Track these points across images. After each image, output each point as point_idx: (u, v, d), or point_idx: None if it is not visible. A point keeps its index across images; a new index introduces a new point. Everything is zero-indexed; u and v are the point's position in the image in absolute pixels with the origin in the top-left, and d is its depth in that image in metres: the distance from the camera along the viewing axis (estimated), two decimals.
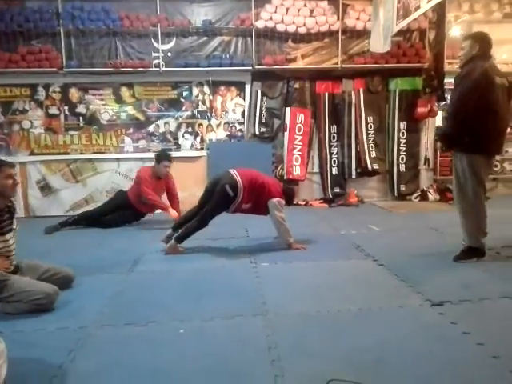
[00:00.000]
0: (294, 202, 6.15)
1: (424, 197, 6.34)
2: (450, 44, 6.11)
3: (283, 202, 3.91)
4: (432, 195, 6.27)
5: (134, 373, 1.89)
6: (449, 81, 6.31)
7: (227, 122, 6.34)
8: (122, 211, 5.08)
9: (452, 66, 6.17)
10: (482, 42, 3.31)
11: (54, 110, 6.08)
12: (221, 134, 6.35)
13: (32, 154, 6.06)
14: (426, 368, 1.84)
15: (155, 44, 5.99)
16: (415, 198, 6.39)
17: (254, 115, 6.27)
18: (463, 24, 6.32)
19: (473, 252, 3.30)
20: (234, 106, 6.32)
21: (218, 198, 3.88)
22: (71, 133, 6.12)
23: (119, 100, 6.15)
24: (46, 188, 6.10)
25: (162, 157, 5.04)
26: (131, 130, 6.18)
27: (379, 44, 5.54)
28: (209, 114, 6.28)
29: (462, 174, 3.23)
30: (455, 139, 3.25)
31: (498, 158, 6.55)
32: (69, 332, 2.31)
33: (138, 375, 1.87)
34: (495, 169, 6.54)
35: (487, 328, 2.18)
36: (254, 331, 2.26)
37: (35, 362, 1.96)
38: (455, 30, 6.33)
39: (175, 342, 2.16)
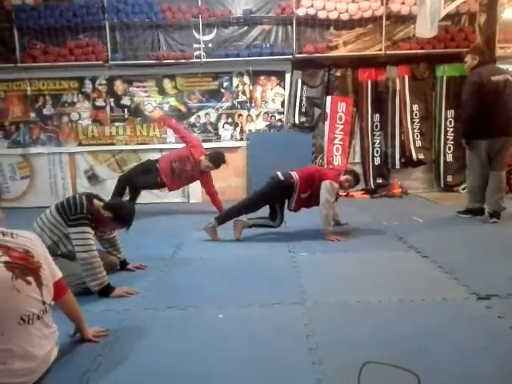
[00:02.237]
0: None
1: None
2: (503, 28, 5.77)
3: (337, 185, 3.80)
4: None
5: (173, 354, 1.94)
6: (501, 66, 6.03)
7: (267, 112, 6.33)
8: (146, 175, 5.07)
9: (504, 50, 5.85)
10: (480, 54, 4.25)
11: (100, 102, 6.30)
12: (260, 124, 6.34)
13: (80, 144, 6.32)
14: (469, 360, 1.77)
15: (196, 35, 6.04)
16: (463, 189, 6.10)
17: (294, 105, 6.21)
18: None
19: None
20: (273, 96, 6.29)
21: (269, 183, 3.95)
22: (117, 124, 6.31)
23: (162, 92, 6.27)
24: (93, 177, 6.35)
25: (221, 161, 5.01)
26: (174, 121, 6.28)
27: (425, 29, 5.30)
28: (248, 105, 6.29)
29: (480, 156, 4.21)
30: (471, 135, 4.20)
31: None
32: (113, 314, 2.40)
33: (177, 357, 1.92)
34: None
35: None
36: (291, 319, 2.26)
37: (81, 342, 2.05)
38: (508, 13, 5.96)
39: (214, 327, 2.20)
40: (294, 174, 3.90)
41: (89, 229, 2.63)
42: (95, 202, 2.71)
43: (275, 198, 3.98)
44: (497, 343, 1.91)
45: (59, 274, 1.82)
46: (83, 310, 2.26)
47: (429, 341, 1.94)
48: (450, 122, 6.16)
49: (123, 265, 3.16)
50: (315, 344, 1.97)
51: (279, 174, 3.94)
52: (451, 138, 6.17)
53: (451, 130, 6.15)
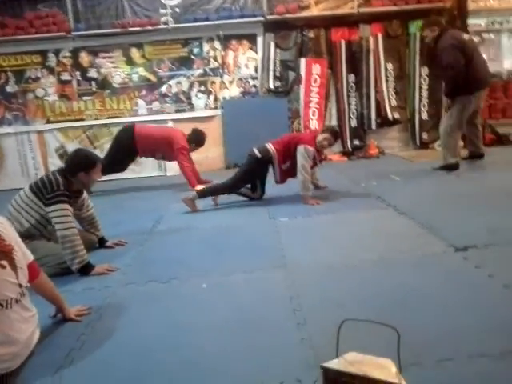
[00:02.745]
0: None
1: None
2: None
3: (311, 149, 3.75)
4: None
5: (157, 327, 1.94)
6: (473, 21, 6.00)
7: (240, 78, 6.17)
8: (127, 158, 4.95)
9: (476, 3, 5.79)
10: (437, 24, 4.56)
11: (66, 76, 6.03)
12: (234, 90, 6.19)
13: (48, 122, 6.07)
14: (449, 312, 1.81)
15: (162, 0, 5.78)
16: (438, 145, 6.17)
17: (268, 69, 6.07)
18: None
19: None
20: (246, 61, 6.12)
21: (247, 162, 3.94)
22: (85, 98, 6.07)
23: (130, 62, 6.03)
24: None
25: (202, 142, 4.90)
26: (144, 92, 6.09)
27: None
28: (221, 71, 6.12)
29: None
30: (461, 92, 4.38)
31: None
32: (94, 292, 2.37)
33: (161, 329, 1.91)
34: None
35: None
36: (275, 283, 2.27)
37: (63, 322, 2.02)
38: None
39: (197, 297, 2.20)
40: (271, 147, 3.86)
41: (67, 205, 2.57)
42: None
43: (256, 175, 3.97)
44: (475, 293, 1.95)
45: (31, 257, 1.76)
46: (63, 289, 2.23)
47: (409, 296, 1.98)
48: (425, 79, 6.13)
49: (102, 242, 3.10)
50: (299, 305, 1.98)
51: (255, 150, 3.89)
52: (426, 95, 6.16)
53: (426, 87, 6.13)
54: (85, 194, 2.94)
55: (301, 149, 3.74)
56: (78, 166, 2.64)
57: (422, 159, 5.40)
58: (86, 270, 2.59)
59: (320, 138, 3.83)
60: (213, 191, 3.99)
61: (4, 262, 1.58)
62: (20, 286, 1.63)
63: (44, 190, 2.56)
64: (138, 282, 2.44)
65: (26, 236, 2.51)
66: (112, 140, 5.18)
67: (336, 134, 3.96)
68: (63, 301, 2.03)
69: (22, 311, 1.63)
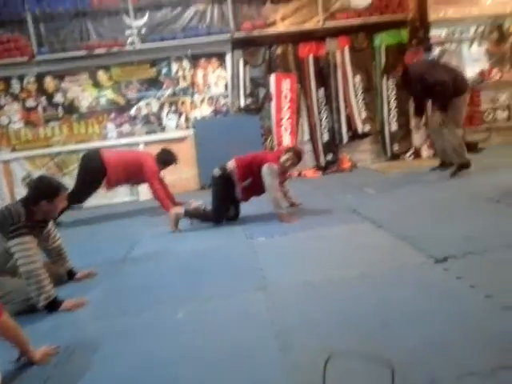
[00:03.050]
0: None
1: (418, 154, 6.22)
2: None
3: (275, 167, 3.70)
4: (426, 152, 6.15)
5: (132, 364, 1.81)
6: (435, 32, 6.17)
7: (211, 97, 6.14)
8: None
9: (436, 14, 5.96)
10: (398, 65, 4.77)
11: (31, 103, 5.87)
12: (205, 110, 6.15)
13: (14, 150, 5.88)
14: (434, 328, 1.77)
15: (128, 21, 5.73)
16: (409, 156, 6.27)
17: (238, 87, 6.06)
18: None
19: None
20: (216, 79, 6.10)
21: (212, 185, 3.91)
22: (51, 124, 5.93)
23: (97, 85, 5.93)
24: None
25: (172, 161, 4.78)
26: (113, 115, 5.98)
27: None
28: (191, 90, 6.07)
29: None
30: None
31: (490, 106, 6.44)
32: (63, 329, 2.23)
33: (137, 367, 1.79)
34: (488, 119, 6.43)
35: (493, 280, 2.11)
36: (254, 307, 2.19)
37: (28, 366, 1.88)
38: None
39: (174, 328, 2.08)
40: (231, 163, 3.81)
41: (30, 238, 2.43)
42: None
43: (227, 193, 3.86)
44: (458, 305, 1.91)
45: None
46: (29, 328, 2.09)
47: (392, 313, 1.92)
48: (392, 90, 6.23)
49: (71, 275, 2.95)
50: (280, 329, 1.91)
51: (215, 170, 3.86)
52: (394, 106, 6.26)
53: (393, 98, 6.24)
54: (51, 225, 2.79)
55: (264, 168, 3.68)
56: (41, 194, 2.51)
57: (394, 170, 5.46)
58: (53, 306, 2.44)
59: (283, 158, 3.78)
60: (199, 217, 3.93)
61: None
62: None
63: (5, 223, 2.41)
64: (110, 316, 2.31)
65: None
66: (78, 169, 4.80)
67: (299, 154, 3.89)
68: (28, 342, 1.88)
69: None
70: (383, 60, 6.14)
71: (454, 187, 4.17)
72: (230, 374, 1.65)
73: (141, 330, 2.11)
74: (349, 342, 1.73)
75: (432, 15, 5.80)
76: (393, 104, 6.25)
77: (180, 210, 3.98)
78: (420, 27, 5.75)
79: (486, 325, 1.73)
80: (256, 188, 3.80)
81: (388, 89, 6.23)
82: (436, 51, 6.42)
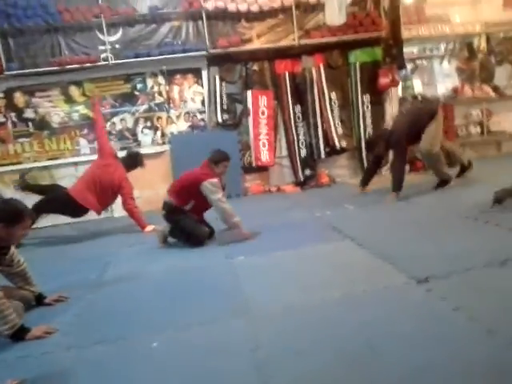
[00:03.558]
0: (266, 189, 6.08)
1: None
2: (406, 10, 6.03)
3: (215, 180, 3.62)
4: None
5: None
6: (407, 49, 6.31)
7: (187, 113, 6.07)
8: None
9: (410, 32, 6.10)
10: (378, 141, 4.89)
11: None
12: (182, 125, 6.07)
13: None
14: (419, 351, 1.71)
15: (101, 36, 5.64)
16: (385, 171, 6.32)
17: (215, 102, 6.02)
18: None
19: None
20: (192, 95, 6.04)
21: (175, 223, 3.80)
22: (21, 140, 5.73)
23: (69, 100, 5.79)
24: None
25: (139, 163, 4.70)
26: (86, 131, 5.84)
27: (335, 16, 5.40)
28: (167, 106, 5.99)
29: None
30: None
31: (463, 122, 6.62)
32: (31, 360, 2.08)
33: None
34: (461, 133, 6.60)
35: (477, 301, 2.07)
36: (234, 335, 2.09)
37: None
38: None
39: (148, 359, 1.96)
40: (166, 197, 3.85)
41: None
42: None
43: (188, 218, 3.76)
44: (442, 328, 1.88)
45: None
46: None
47: (376, 336, 1.86)
48: (367, 106, 6.31)
49: (39, 299, 2.78)
50: (261, 359, 1.81)
51: (162, 212, 3.87)
52: (370, 122, 6.33)
53: (369, 114, 6.31)
54: (13, 249, 2.64)
55: (204, 186, 3.59)
56: (5, 218, 2.37)
57: (372, 186, 5.48)
58: (19, 334, 2.28)
59: (218, 170, 3.73)
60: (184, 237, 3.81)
61: None
62: None
63: None
64: (82, 345, 2.17)
65: None
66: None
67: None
68: None
69: None
70: (358, 77, 6.22)
71: (432, 203, 4.20)
72: None
73: (114, 361, 1.98)
74: (336, 370, 1.66)
75: (405, 33, 5.92)
76: (368, 120, 6.32)
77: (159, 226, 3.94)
78: (393, 45, 5.85)
79: (471, 349, 1.70)
80: (201, 207, 3.76)
81: (363, 104, 6.30)
82: (408, 69, 6.60)
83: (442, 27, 6.34)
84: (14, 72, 5.47)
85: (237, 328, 2.15)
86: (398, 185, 4.54)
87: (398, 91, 6.45)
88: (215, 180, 3.63)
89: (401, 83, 6.45)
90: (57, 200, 4.49)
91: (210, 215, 3.96)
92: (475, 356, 1.64)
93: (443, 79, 6.93)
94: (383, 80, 6.06)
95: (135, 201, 4.56)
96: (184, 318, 2.32)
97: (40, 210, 4.34)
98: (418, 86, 6.89)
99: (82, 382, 1.84)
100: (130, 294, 2.84)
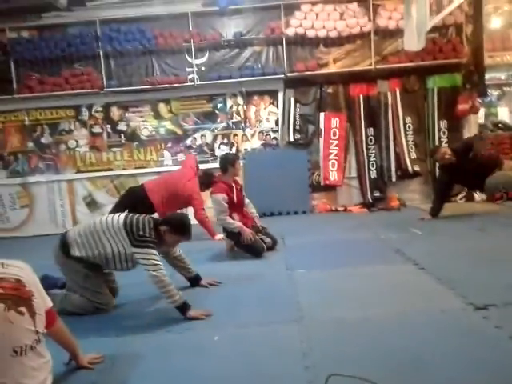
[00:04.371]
0: (333, 208, 6.16)
1: (470, 197, 6.06)
2: (490, 36, 5.88)
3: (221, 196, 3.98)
4: (478, 195, 5.98)
5: (168, 379, 1.95)
6: (493, 75, 6.12)
7: (261, 131, 6.39)
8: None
9: (493, 59, 5.93)
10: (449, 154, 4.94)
11: (97, 129, 6.39)
12: (256, 143, 6.41)
13: (78, 171, 6.38)
14: (466, 373, 1.75)
15: (189, 59, 6.17)
16: (460, 199, 6.11)
17: (288, 122, 6.28)
18: (504, 15, 6.06)
19: None
20: (267, 115, 6.37)
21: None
22: (114, 150, 6.39)
23: (157, 116, 6.37)
24: (92, 204, 6.38)
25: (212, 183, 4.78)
26: (170, 144, 6.38)
27: (413, 42, 5.40)
28: (243, 124, 6.36)
29: None
30: None
31: None
32: (109, 340, 2.39)
33: (172, 382, 1.92)
34: None
35: None
36: (288, 337, 2.24)
37: (76, 370, 2.04)
38: (494, 22, 6.07)
39: (210, 349, 2.19)
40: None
41: (154, 251, 2.65)
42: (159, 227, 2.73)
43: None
44: (495, 354, 1.88)
45: (50, 303, 1.82)
46: (78, 337, 2.26)
47: (426, 354, 1.92)
48: (444, 132, 6.19)
49: (194, 281, 3.17)
50: (312, 362, 1.95)
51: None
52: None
53: (445, 140, 6.18)
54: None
55: (214, 199, 4.00)
56: (173, 228, 2.75)
57: (444, 212, 5.34)
58: (182, 308, 2.58)
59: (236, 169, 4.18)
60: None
61: (23, 309, 1.63)
62: (36, 332, 1.67)
63: (136, 231, 2.65)
64: (154, 332, 2.46)
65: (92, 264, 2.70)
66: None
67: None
68: (78, 348, 2.05)
69: (36, 358, 1.66)
70: (436, 102, 6.14)
71: (502, 233, 4.04)
72: None
73: (180, 348, 2.23)
74: (380, 379, 1.75)
75: (488, 59, 5.77)
76: (444, 146, 6.17)
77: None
78: (475, 71, 5.72)
79: None
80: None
81: (440, 130, 6.19)
82: (494, 95, 6.38)
83: None
84: (113, 89, 6.15)
85: (291, 333, 2.30)
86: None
87: (479, 118, 6.25)
88: (221, 195, 3.98)
89: (483, 110, 6.26)
90: (134, 192, 4.89)
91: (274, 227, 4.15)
92: None
93: None
94: (462, 106, 5.93)
95: (205, 211, 4.88)
96: (243, 319, 2.53)
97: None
98: (503, 113, 6.62)
99: (150, 363, 2.10)
100: (194, 293, 3.08)
